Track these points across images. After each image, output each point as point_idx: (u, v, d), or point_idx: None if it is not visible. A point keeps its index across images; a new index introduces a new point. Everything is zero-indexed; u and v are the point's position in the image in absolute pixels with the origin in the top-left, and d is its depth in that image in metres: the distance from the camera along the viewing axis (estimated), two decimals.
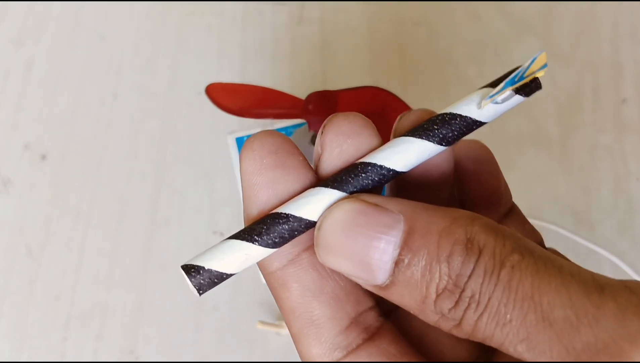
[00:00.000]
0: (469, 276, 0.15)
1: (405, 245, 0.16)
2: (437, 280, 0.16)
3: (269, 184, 0.18)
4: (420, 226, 0.16)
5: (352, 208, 0.17)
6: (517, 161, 0.42)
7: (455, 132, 0.18)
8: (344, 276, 0.18)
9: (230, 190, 0.41)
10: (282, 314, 0.19)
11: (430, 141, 0.18)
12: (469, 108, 0.18)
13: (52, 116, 0.45)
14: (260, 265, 0.19)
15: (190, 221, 0.41)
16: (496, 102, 0.18)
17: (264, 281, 0.33)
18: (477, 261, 0.16)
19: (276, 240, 0.18)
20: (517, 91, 0.18)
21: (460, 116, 0.18)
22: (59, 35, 0.47)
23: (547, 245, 0.41)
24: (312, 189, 0.18)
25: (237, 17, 0.48)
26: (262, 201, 0.18)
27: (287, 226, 0.18)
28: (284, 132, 0.32)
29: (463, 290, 0.16)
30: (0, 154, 0.43)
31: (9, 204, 0.42)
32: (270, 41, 0.47)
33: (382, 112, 0.28)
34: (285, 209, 0.18)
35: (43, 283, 0.40)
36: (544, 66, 0.17)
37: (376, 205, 0.17)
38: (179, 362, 0.38)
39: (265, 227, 0.18)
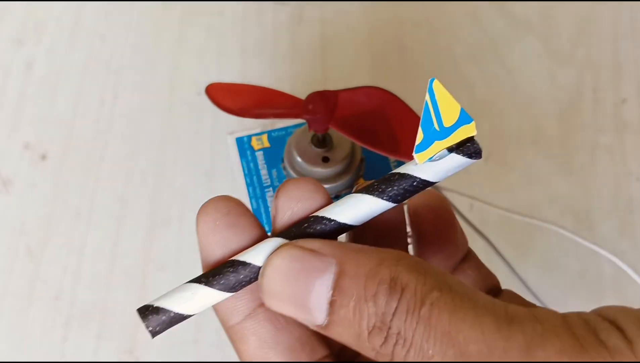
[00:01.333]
0: (393, 314, 0.16)
1: (337, 286, 0.17)
2: (367, 318, 0.17)
3: (223, 243, 0.20)
4: (350, 268, 0.17)
5: (289, 254, 0.18)
6: (517, 161, 0.42)
7: (397, 189, 0.19)
8: (297, 327, 0.20)
9: (230, 190, 0.41)
10: None
11: (372, 195, 0.19)
12: (409, 166, 0.19)
13: (52, 116, 0.45)
14: (222, 320, 0.21)
15: (190, 221, 0.41)
16: (432, 159, 0.19)
17: None
18: (399, 299, 0.16)
19: (222, 282, 0.19)
20: (453, 150, 0.19)
21: (400, 173, 0.19)
22: (59, 35, 0.47)
23: (547, 245, 0.41)
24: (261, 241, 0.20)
25: (237, 17, 0.48)
26: (217, 257, 0.20)
27: (232, 269, 0.19)
28: (283, 132, 0.32)
29: (390, 328, 0.16)
30: (0, 154, 0.43)
31: (9, 204, 0.42)
32: (270, 41, 0.47)
33: (383, 112, 0.28)
34: (233, 257, 0.19)
35: (43, 283, 0.40)
36: (466, 117, 0.18)
37: (311, 250, 0.18)
38: (179, 362, 0.38)
39: (213, 271, 0.19)
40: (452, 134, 0.18)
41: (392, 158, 0.31)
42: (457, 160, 0.19)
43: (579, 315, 0.16)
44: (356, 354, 0.19)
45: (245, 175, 0.31)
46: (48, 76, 0.46)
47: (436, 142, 0.18)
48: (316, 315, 0.18)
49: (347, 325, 0.17)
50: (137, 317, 0.40)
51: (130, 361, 0.38)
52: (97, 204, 0.42)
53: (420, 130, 0.18)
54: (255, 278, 0.19)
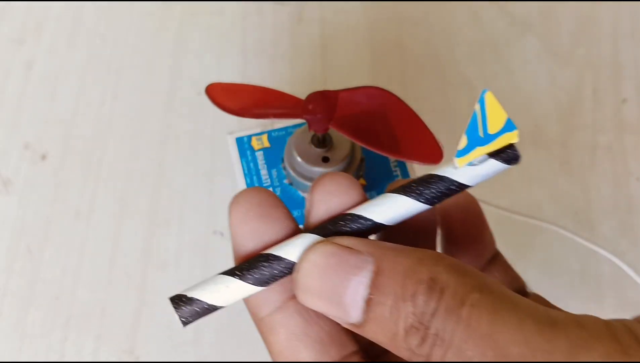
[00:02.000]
0: (433, 315, 0.16)
1: (374, 284, 0.17)
2: (404, 318, 0.17)
3: (255, 234, 0.20)
4: (388, 267, 0.17)
5: (326, 250, 0.18)
6: None
7: (434, 191, 0.19)
8: (328, 321, 0.20)
9: (230, 190, 0.41)
10: (271, 356, 0.20)
11: (409, 197, 0.19)
12: (447, 169, 0.19)
13: (52, 116, 0.45)
14: (252, 312, 0.21)
15: (190, 221, 0.41)
16: (472, 164, 0.19)
17: None
18: (439, 299, 0.16)
19: (256, 276, 0.19)
20: (492, 156, 0.19)
21: (439, 176, 0.19)
22: (59, 35, 0.47)
23: (547, 245, 0.41)
24: (295, 236, 0.20)
25: (237, 17, 0.48)
26: (249, 248, 0.20)
27: (266, 264, 0.19)
28: (283, 132, 0.32)
29: (428, 328, 0.16)
30: (0, 154, 0.43)
31: (9, 205, 0.42)
32: (270, 41, 0.47)
33: (383, 112, 0.28)
34: (268, 250, 0.19)
35: (43, 283, 0.40)
36: (510, 125, 0.18)
37: (348, 247, 0.18)
38: (179, 362, 0.38)
39: (247, 264, 0.19)
40: (494, 141, 0.19)
41: (392, 158, 0.30)
42: (495, 165, 0.19)
43: (621, 321, 0.16)
44: (385, 350, 0.19)
45: (245, 175, 0.31)
46: (48, 76, 0.46)
47: (478, 148, 0.19)
48: (351, 313, 0.18)
49: (383, 324, 0.17)
50: (136, 316, 0.40)
51: (129, 361, 0.38)
52: (97, 204, 0.42)
53: (464, 136, 0.19)
54: (289, 273, 0.19)
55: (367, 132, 0.28)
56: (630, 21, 0.46)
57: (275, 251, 0.19)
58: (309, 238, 0.19)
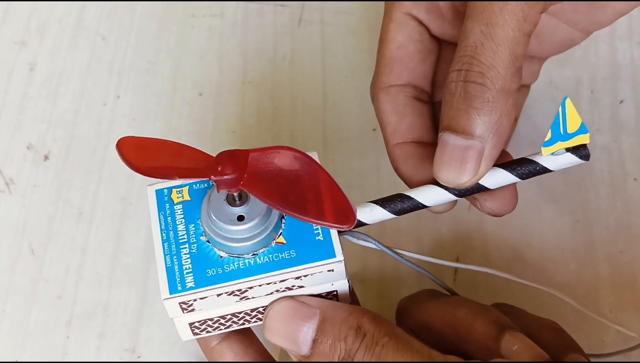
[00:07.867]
0: (357, 350, 0.25)
1: (319, 329, 0.26)
2: (338, 352, 0.25)
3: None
4: (329, 317, 0.26)
5: (287, 303, 0.26)
6: None
7: (525, 169, 0.27)
8: (258, 347, 0.30)
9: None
10: None
11: (506, 170, 0.27)
12: (536, 156, 0.27)
13: (55, 117, 0.45)
14: (203, 345, 0.29)
15: None
16: (554, 154, 0.26)
17: None
18: (362, 340, 0.25)
19: (391, 206, 0.27)
20: (569, 150, 0.26)
21: (529, 159, 0.27)
22: (61, 37, 0.48)
23: (544, 246, 0.42)
24: (427, 185, 0.28)
25: (237, 18, 0.48)
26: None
27: (399, 199, 0.27)
28: (205, 185, 0.30)
29: (353, 359, 0.25)
30: (3, 155, 0.44)
31: (12, 204, 0.42)
32: (270, 42, 0.47)
33: (294, 172, 0.27)
34: (406, 192, 0.28)
35: (45, 282, 0.40)
36: (584, 129, 0.25)
37: (303, 302, 0.26)
38: (181, 361, 0.38)
39: (388, 198, 0.27)
40: (571, 139, 0.25)
41: (314, 224, 0.27)
42: (570, 158, 0.26)
43: None
44: None
45: (161, 230, 0.29)
46: (51, 77, 0.46)
47: (559, 142, 0.25)
48: (302, 348, 0.26)
49: (324, 356, 0.25)
50: (139, 316, 0.41)
51: (132, 360, 0.38)
52: (99, 203, 0.42)
53: (550, 131, 0.25)
54: (413, 209, 0.27)
55: (279, 193, 0.26)
56: (628, 21, 0.47)
57: (408, 192, 0.27)
58: (431, 187, 0.28)
